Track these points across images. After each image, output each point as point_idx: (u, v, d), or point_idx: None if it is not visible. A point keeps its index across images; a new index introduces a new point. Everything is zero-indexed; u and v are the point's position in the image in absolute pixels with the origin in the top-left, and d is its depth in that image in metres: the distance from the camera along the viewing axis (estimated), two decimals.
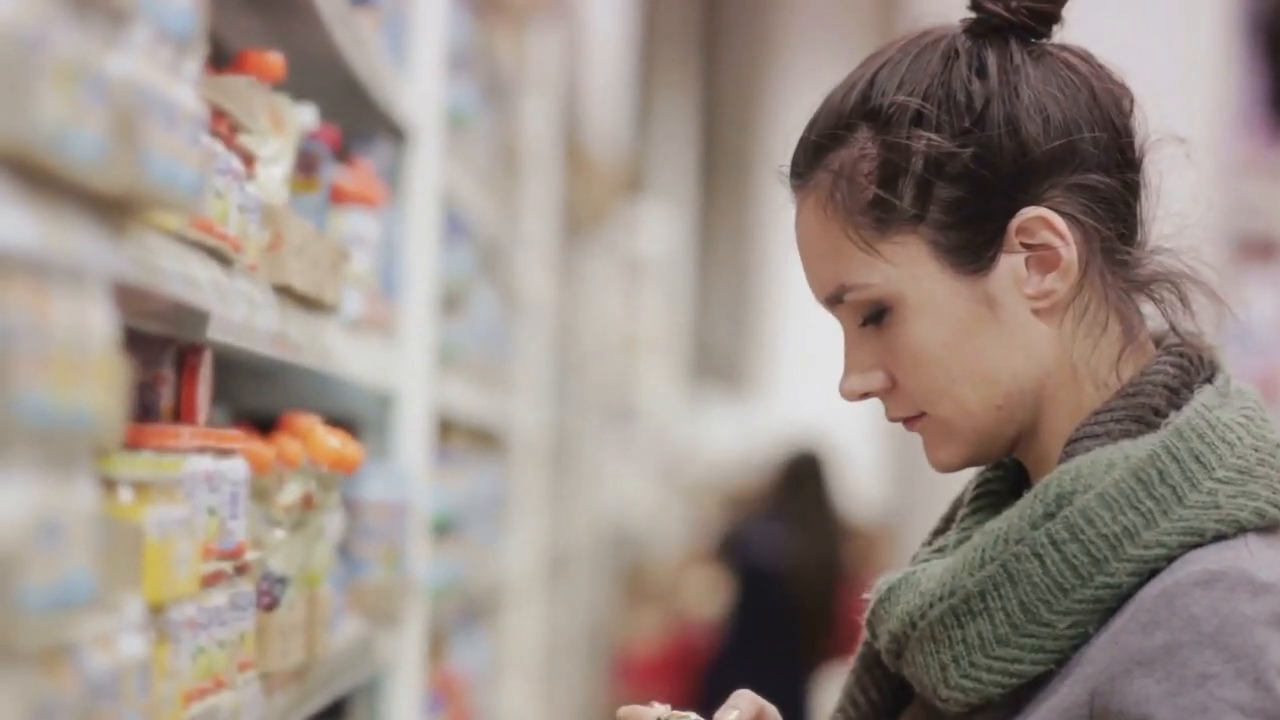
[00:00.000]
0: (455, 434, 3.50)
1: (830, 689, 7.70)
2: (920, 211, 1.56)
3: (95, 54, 1.22)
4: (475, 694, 3.80)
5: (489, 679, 4.17)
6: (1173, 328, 1.60)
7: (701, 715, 1.63)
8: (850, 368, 1.62)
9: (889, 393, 1.61)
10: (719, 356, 12.49)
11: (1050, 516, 1.52)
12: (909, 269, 1.57)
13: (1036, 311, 1.57)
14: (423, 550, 2.89)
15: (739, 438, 10.54)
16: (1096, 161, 1.57)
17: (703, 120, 12.74)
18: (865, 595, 1.64)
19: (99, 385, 1.22)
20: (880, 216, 1.57)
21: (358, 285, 2.43)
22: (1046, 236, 1.56)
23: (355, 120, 2.72)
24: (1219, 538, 1.50)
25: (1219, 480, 1.51)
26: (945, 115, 1.56)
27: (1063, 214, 1.56)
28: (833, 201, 1.58)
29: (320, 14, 2.26)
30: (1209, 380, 1.58)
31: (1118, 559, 1.50)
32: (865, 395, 1.62)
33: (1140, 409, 1.55)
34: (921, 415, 1.60)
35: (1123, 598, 1.50)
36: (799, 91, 11.97)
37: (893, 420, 1.63)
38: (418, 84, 2.93)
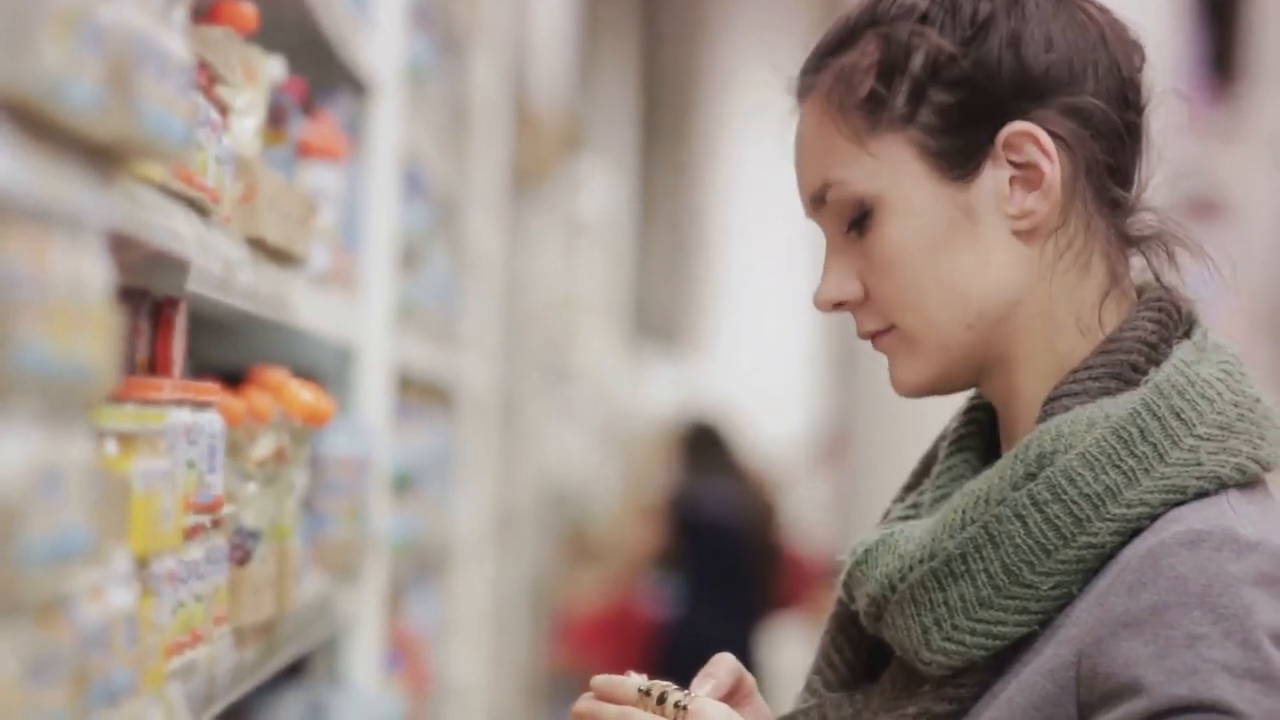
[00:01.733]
0: (409, 390, 3.49)
1: (779, 640, 7.75)
2: (912, 111, 1.56)
3: (92, 2, 1.21)
4: (430, 650, 3.80)
5: (442, 636, 4.17)
6: (1157, 279, 1.60)
7: (672, 680, 1.62)
8: (827, 276, 1.62)
9: (861, 305, 1.61)
10: (658, 316, 12.49)
11: (1031, 477, 1.51)
12: (893, 168, 1.57)
13: (1017, 233, 1.57)
14: (384, 506, 2.89)
15: (678, 396, 10.55)
16: (1095, 90, 1.57)
17: (643, 80, 12.72)
18: (840, 556, 1.63)
19: (96, 336, 1.21)
20: (872, 112, 1.57)
21: (323, 239, 2.41)
22: (1032, 153, 1.56)
23: (317, 73, 2.70)
24: (1201, 495, 1.50)
25: (1200, 437, 1.51)
26: (949, 20, 1.57)
27: (1052, 134, 1.56)
28: (829, 100, 1.59)
29: None
30: (1187, 335, 1.58)
31: (1100, 518, 1.49)
32: (838, 305, 1.61)
33: (1119, 366, 1.55)
34: (890, 330, 1.60)
35: (1106, 557, 1.49)
36: (739, 52, 11.97)
37: (862, 335, 1.61)
38: (380, 37, 2.92)
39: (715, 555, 7.07)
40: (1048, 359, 1.58)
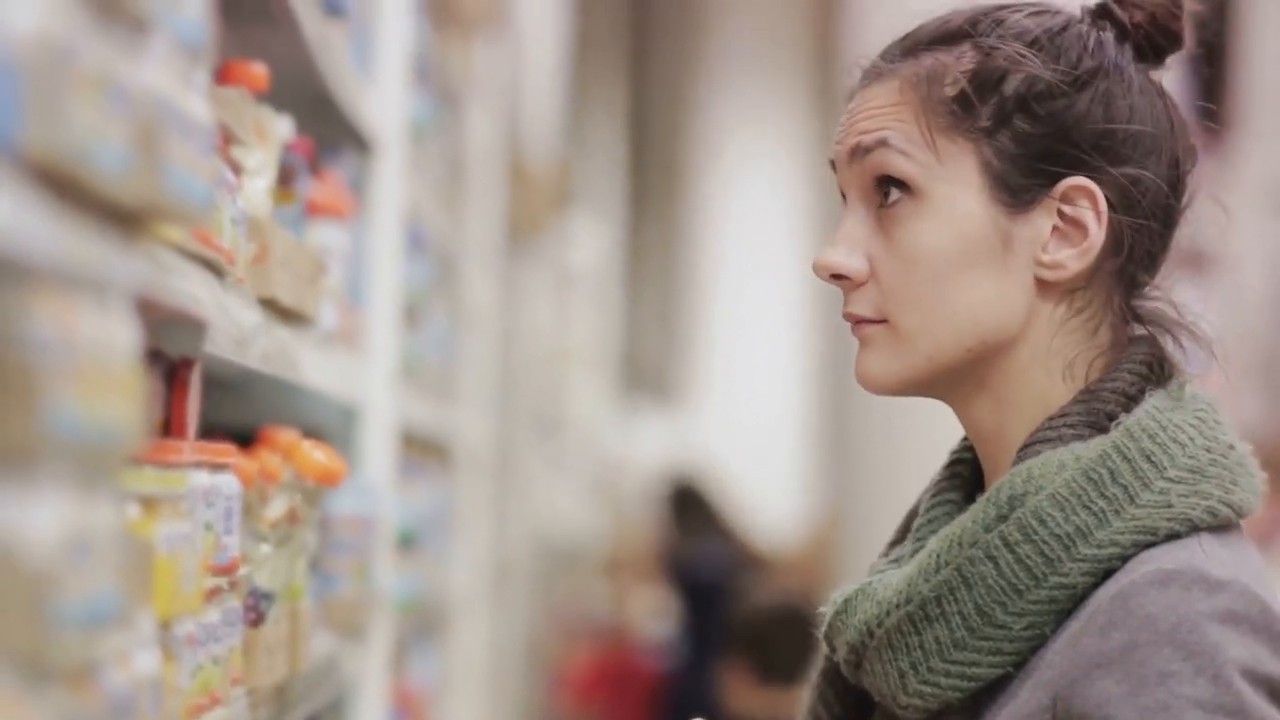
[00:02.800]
0: (409, 446, 3.48)
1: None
2: (992, 129, 1.57)
3: (119, 64, 1.21)
4: (431, 708, 3.78)
5: (441, 693, 4.15)
6: (1159, 348, 1.60)
7: None
8: (837, 244, 1.60)
9: (859, 287, 1.60)
10: (648, 368, 12.49)
11: (1003, 519, 1.52)
12: (952, 172, 1.57)
13: (1040, 280, 1.58)
14: (389, 565, 2.88)
15: (668, 449, 10.55)
16: (1155, 173, 1.59)
17: (632, 134, 12.75)
18: (821, 609, 1.63)
19: (124, 399, 1.21)
20: (954, 115, 1.58)
21: (331, 298, 2.41)
22: (1084, 211, 1.57)
23: (321, 131, 2.70)
24: (1172, 536, 1.50)
25: (1171, 479, 1.52)
26: (1050, 60, 1.58)
27: (1107, 199, 1.57)
28: (912, 87, 1.59)
29: (297, 23, 2.24)
30: (1162, 385, 1.59)
31: (1071, 559, 1.50)
32: (837, 277, 1.60)
33: (1095, 415, 1.56)
34: (881, 322, 1.59)
35: (1078, 598, 1.50)
36: (727, 106, 11.99)
37: (848, 317, 1.60)
38: (383, 95, 2.92)
39: (712, 612, 7.08)
40: (1036, 408, 1.59)
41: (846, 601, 1.59)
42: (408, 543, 3.27)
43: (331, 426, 2.74)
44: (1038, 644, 1.51)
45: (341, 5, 2.54)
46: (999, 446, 1.60)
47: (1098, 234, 1.57)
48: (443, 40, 3.91)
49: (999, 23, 1.60)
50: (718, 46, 12.07)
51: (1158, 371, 1.59)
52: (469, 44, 4.51)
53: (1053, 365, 1.59)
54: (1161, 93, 1.62)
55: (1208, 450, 1.54)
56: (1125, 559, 1.50)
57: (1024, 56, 1.58)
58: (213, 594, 1.65)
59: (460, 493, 4.51)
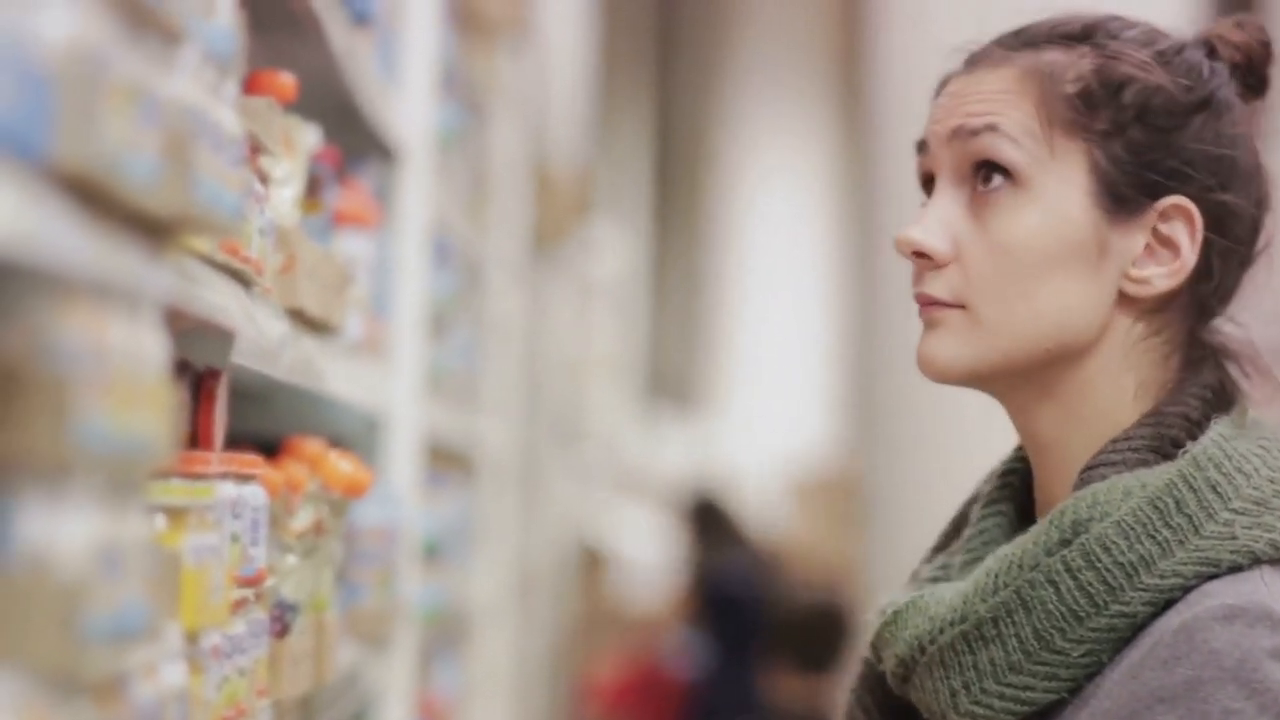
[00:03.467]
0: (434, 456, 3.48)
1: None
2: (1108, 134, 1.56)
3: (151, 76, 1.21)
4: (456, 718, 3.78)
5: (464, 703, 4.15)
6: (1226, 373, 1.60)
7: None
8: (925, 221, 1.58)
9: (940, 269, 1.57)
10: (671, 377, 12.48)
11: (1066, 543, 1.51)
12: (1061, 168, 1.56)
13: (1123, 293, 1.56)
14: (414, 575, 2.87)
15: (691, 458, 10.54)
16: (1246, 204, 1.59)
17: (656, 143, 12.74)
18: (867, 616, 1.63)
19: (154, 411, 1.20)
20: (1074, 112, 1.56)
21: (357, 308, 2.41)
22: (1180, 231, 1.56)
23: (347, 140, 2.69)
24: (1234, 569, 1.49)
25: (1235, 511, 1.50)
26: (1169, 73, 1.58)
27: (1207, 222, 1.57)
28: (1034, 78, 1.58)
29: (323, 32, 2.24)
30: (1226, 412, 1.58)
31: (1133, 588, 1.49)
32: (920, 255, 1.58)
33: (1159, 439, 1.55)
34: (958, 308, 1.57)
35: (1138, 628, 1.49)
36: (752, 116, 11.98)
37: (920, 299, 1.58)
38: (409, 104, 2.92)
39: (740, 624, 7.09)
40: (1102, 424, 1.58)
41: (897, 614, 1.59)
42: (432, 553, 3.27)
43: (356, 436, 2.74)
44: (1094, 671, 1.50)
45: (368, 14, 2.54)
46: (1057, 458, 1.59)
47: (1190, 256, 1.56)
48: (468, 49, 3.91)
49: (1120, 30, 1.60)
50: (743, 56, 12.06)
51: (1223, 398, 1.58)
52: (494, 53, 4.51)
53: (1123, 383, 1.57)
54: (1250, 128, 1.62)
55: (1271, 481, 1.52)
56: (1187, 589, 1.49)
57: (1150, 66, 1.57)
58: (239, 605, 1.64)
59: (484, 502, 4.50)
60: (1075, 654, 1.50)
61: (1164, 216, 1.56)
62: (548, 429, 6.81)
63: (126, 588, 1.16)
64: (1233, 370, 1.60)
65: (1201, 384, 1.58)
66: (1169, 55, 1.59)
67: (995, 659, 1.52)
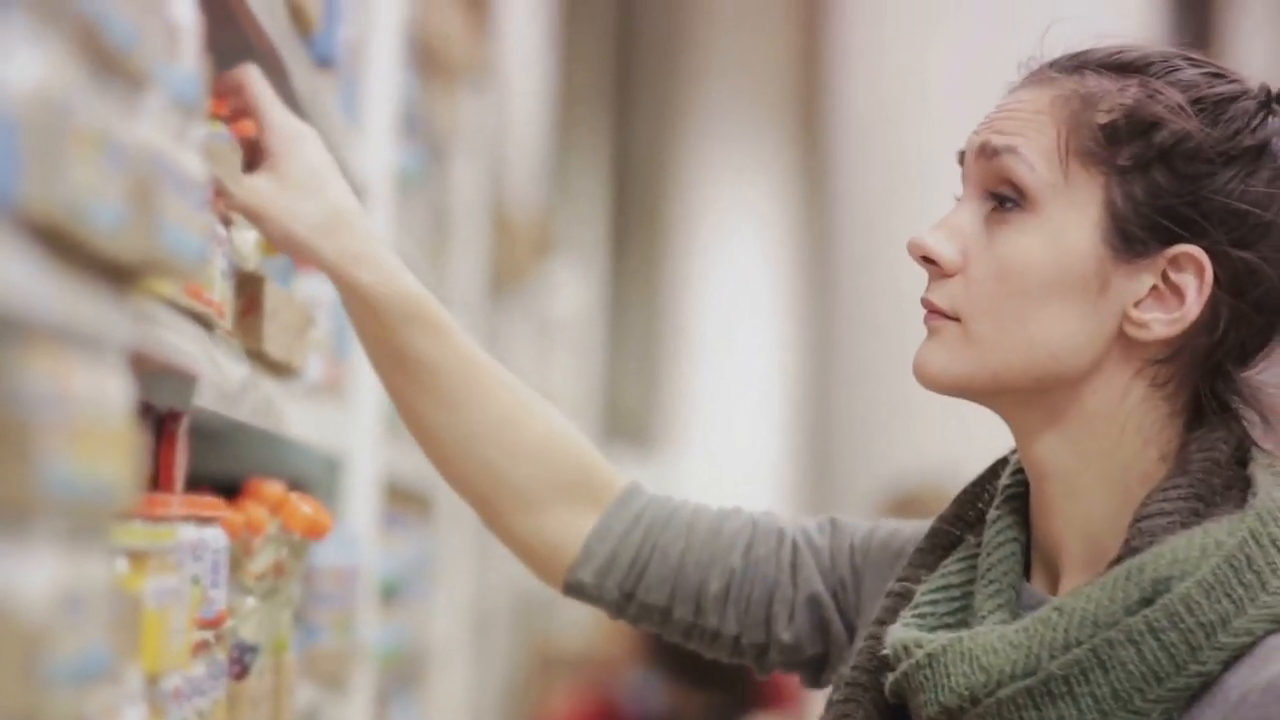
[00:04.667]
0: (392, 497, 3.48)
1: None
2: (1128, 170, 1.55)
3: (117, 122, 1.22)
4: None
5: None
6: (1244, 429, 1.60)
7: None
8: (941, 229, 1.59)
9: (946, 277, 1.59)
10: (629, 417, 12.49)
11: (1148, 602, 1.50)
12: (1075, 197, 1.56)
13: (1124, 334, 1.56)
14: (372, 616, 2.87)
15: None
16: (1273, 267, 1.57)
17: (614, 184, 12.77)
18: (884, 652, 1.61)
19: (119, 455, 1.21)
20: (1097, 143, 1.56)
21: (317, 349, 2.41)
22: (1188, 282, 1.56)
23: None
24: None
25: None
26: (1209, 124, 1.56)
27: (1215, 277, 1.56)
28: (1066, 103, 1.58)
29: (287, 75, 2.25)
30: (1249, 457, 1.59)
31: (1211, 647, 1.49)
32: (928, 260, 1.59)
33: (1199, 485, 1.55)
34: (956, 320, 1.58)
35: (1207, 684, 1.50)
36: (710, 157, 12.01)
37: (925, 304, 1.60)
38: (371, 146, 2.92)
39: (692, 658, 7.07)
40: (1107, 465, 1.58)
41: (931, 657, 1.56)
42: (390, 593, 3.27)
43: (315, 477, 2.74)
44: None
45: (331, 56, 2.55)
46: (1060, 490, 1.59)
47: (1194, 306, 1.55)
48: (429, 90, 3.92)
49: (1172, 70, 1.59)
50: (700, 97, 12.10)
51: (1243, 448, 1.59)
52: (455, 94, 4.52)
53: (1128, 426, 1.57)
54: None
55: None
56: (1252, 645, 1.50)
57: (1184, 111, 1.56)
58: (199, 647, 1.64)
59: (441, 542, 4.50)
60: (1153, 714, 1.50)
61: (1175, 264, 1.55)
62: None
63: (89, 631, 1.16)
64: (1251, 422, 1.59)
65: (1221, 432, 1.58)
66: (1214, 102, 1.57)
67: (1066, 717, 1.51)
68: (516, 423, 1.81)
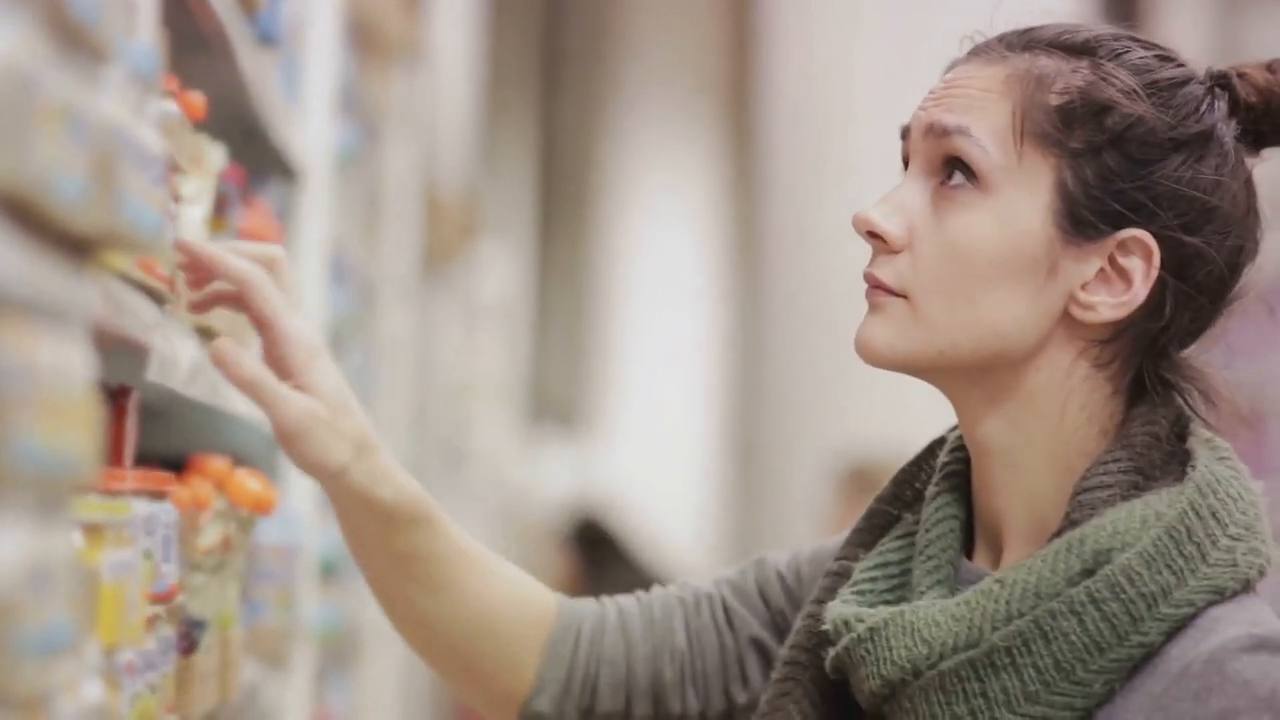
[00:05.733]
0: None
1: None
2: (1080, 153, 1.56)
3: (79, 95, 1.22)
4: None
5: None
6: (1189, 408, 1.61)
7: None
8: (885, 204, 1.59)
9: (892, 253, 1.59)
10: (555, 399, 12.49)
11: (1089, 573, 1.52)
12: (1027, 178, 1.56)
13: (1070, 315, 1.57)
14: (313, 594, 2.87)
15: (576, 481, 10.55)
16: (1218, 251, 1.58)
17: (542, 164, 12.77)
18: (823, 627, 1.62)
19: (82, 428, 1.21)
20: (1050, 125, 1.56)
21: None
22: (1135, 266, 1.57)
23: (249, 159, 2.70)
24: (1232, 594, 1.52)
25: (1232, 537, 1.54)
26: (1160, 108, 1.57)
27: (1166, 261, 1.57)
28: (1020, 82, 1.57)
29: (231, 52, 2.25)
30: (1188, 432, 1.61)
31: (1152, 618, 1.51)
32: (873, 235, 1.59)
33: (1139, 459, 1.56)
34: (901, 296, 1.59)
35: (1150, 655, 1.51)
36: (637, 138, 12.03)
37: (868, 279, 1.60)
38: (310, 125, 2.92)
39: None
40: (1050, 443, 1.59)
41: (873, 631, 1.57)
42: (329, 572, 3.27)
43: (256, 454, 2.74)
44: (1106, 700, 1.51)
45: (274, 34, 2.55)
46: (1003, 466, 1.60)
47: (1140, 290, 1.56)
48: (364, 70, 3.92)
49: (1123, 52, 1.59)
50: (630, 82, 12.11)
51: (1182, 421, 1.60)
52: (389, 74, 4.52)
53: (1071, 404, 1.58)
54: (1249, 179, 1.61)
55: (1252, 504, 1.56)
56: (1194, 616, 1.51)
57: (1136, 94, 1.56)
58: (151, 622, 1.65)
59: None
60: (1096, 685, 1.51)
61: (1123, 247, 1.56)
62: (435, 451, 6.81)
63: (54, 605, 1.16)
64: (1192, 401, 1.61)
65: (1161, 412, 1.59)
66: (1164, 86, 1.58)
67: (1009, 688, 1.52)
68: (505, 603, 1.80)
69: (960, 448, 1.67)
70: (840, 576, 1.68)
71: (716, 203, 11.93)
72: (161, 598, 1.69)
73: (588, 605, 1.84)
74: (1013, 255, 1.56)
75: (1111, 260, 1.57)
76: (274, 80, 2.61)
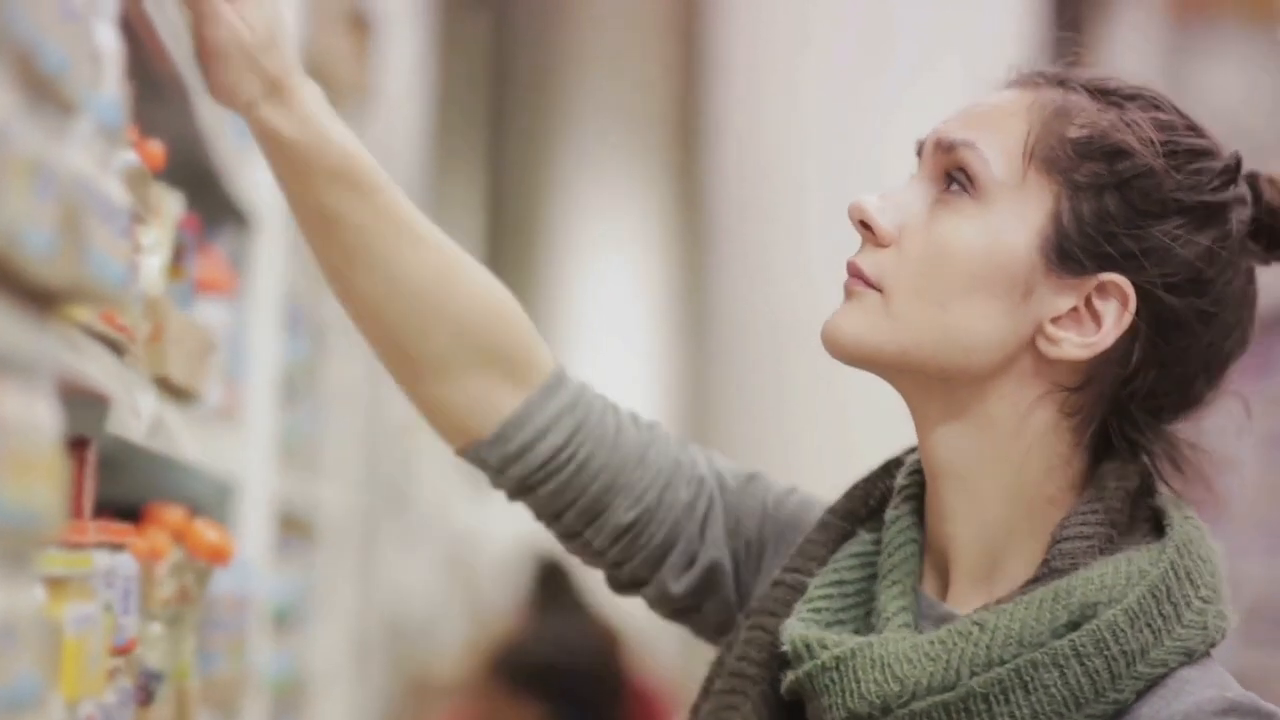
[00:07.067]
0: (281, 522, 3.47)
1: None
2: (1082, 187, 1.56)
3: (48, 149, 1.21)
4: None
5: None
6: (1159, 477, 1.62)
7: None
8: (884, 197, 1.60)
9: (879, 246, 1.59)
10: None
11: (1075, 625, 1.51)
12: (1025, 199, 1.57)
13: (1037, 347, 1.57)
14: (265, 643, 2.86)
15: (523, 525, 10.50)
16: (1199, 326, 1.58)
17: (489, 207, 12.77)
18: (782, 648, 1.60)
19: (48, 481, 1.20)
20: (1061, 154, 1.56)
21: (216, 375, 2.40)
22: (1110, 312, 1.56)
23: (206, 207, 2.69)
24: (1199, 657, 1.54)
25: (1203, 599, 1.55)
26: (1174, 171, 1.57)
27: (1135, 313, 1.57)
28: (1042, 109, 1.58)
29: (187, 99, 2.24)
30: (1156, 490, 1.61)
31: (1130, 675, 1.51)
32: (864, 224, 1.60)
33: (1115, 514, 1.57)
34: (876, 290, 1.59)
35: (1120, 713, 1.52)
36: (585, 181, 12.04)
37: (850, 268, 1.60)
38: (263, 172, 2.91)
39: (571, 693, 7.07)
40: (1007, 474, 1.59)
41: (840, 660, 1.56)
42: (281, 620, 3.26)
43: (209, 502, 2.73)
44: None
45: None
46: (956, 490, 1.60)
47: (1109, 335, 1.56)
48: None
49: (1154, 109, 1.59)
50: (577, 125, 12.13)
51: (1150, 481, 1.61)
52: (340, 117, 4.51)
53: (1034, 446, 1.58)
54: (1251, 279, 1.61)
55: (1217, 567, 1.57)
56: (1164, 676, 1.52)
57: (1154, 147, 1.57)
58: (112, 674, 1.64)
59: (323, 568, 4.48)
60: None
61: (1101, 290, 1.56)
62: (382, 495, 6.79)
63: (20, 660, 1.16)
64: (1160, 466, 1.61)
65: (1133, 468, 1.59)
66: (1183, 150, 1.58)
67: None
68: (438, 286, 1.72)
69: (918, 471, 1.66)
70: (794, 590, 1.66)
71: (664, 248, 11.95)
72: (121, 650, 1.68)
73: (586, 390, 1.77)
74: (992, 269, 1.57)
75: (1088, 301, 1.57)
76: (228, 127, 2.60)
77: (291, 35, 3.08)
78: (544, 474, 1.74)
